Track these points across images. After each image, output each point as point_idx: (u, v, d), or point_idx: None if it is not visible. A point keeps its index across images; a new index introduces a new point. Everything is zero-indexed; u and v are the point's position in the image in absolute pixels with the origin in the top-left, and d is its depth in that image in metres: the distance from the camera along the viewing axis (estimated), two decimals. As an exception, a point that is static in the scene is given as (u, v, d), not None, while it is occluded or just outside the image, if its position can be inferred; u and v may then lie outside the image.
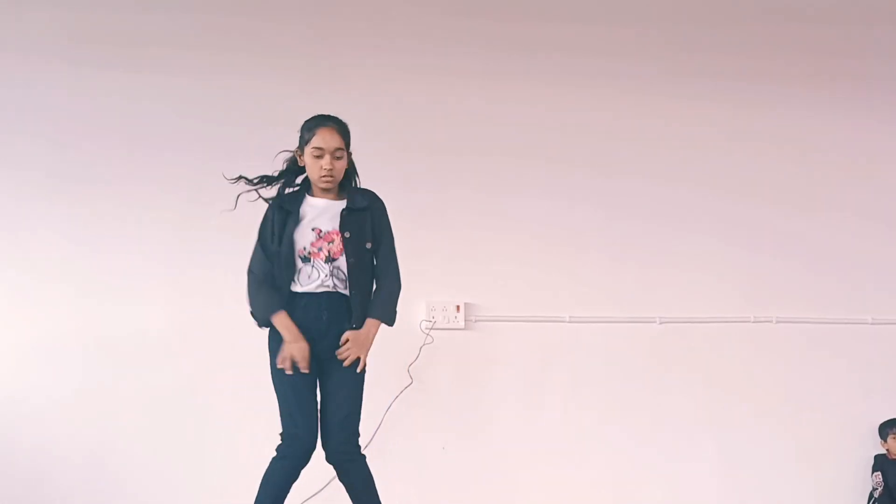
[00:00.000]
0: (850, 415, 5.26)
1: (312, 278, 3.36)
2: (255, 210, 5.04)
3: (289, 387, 3.32)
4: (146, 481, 4.84)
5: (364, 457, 3.45)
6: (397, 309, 3.56)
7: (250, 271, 3.46)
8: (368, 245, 3.40)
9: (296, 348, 3.30)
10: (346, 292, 3.39)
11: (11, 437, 4.83)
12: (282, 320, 3.32)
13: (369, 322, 3.40)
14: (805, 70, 5.49)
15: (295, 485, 4.82)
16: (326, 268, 3.35)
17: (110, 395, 4.88)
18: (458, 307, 5.11)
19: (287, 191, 3.49)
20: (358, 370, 3.37)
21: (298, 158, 3.47)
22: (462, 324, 5.11)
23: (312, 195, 3.46)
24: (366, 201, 3.45)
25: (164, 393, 4.89)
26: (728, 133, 5.41)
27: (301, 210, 3.41)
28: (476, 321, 5.13)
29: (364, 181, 5.08)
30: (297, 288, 3.37)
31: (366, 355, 3.39)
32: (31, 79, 5.03)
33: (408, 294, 5.03)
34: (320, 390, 3.40)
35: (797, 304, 5.32)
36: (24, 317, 4.89)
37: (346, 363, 3.35)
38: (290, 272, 3.37)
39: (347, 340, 3.36)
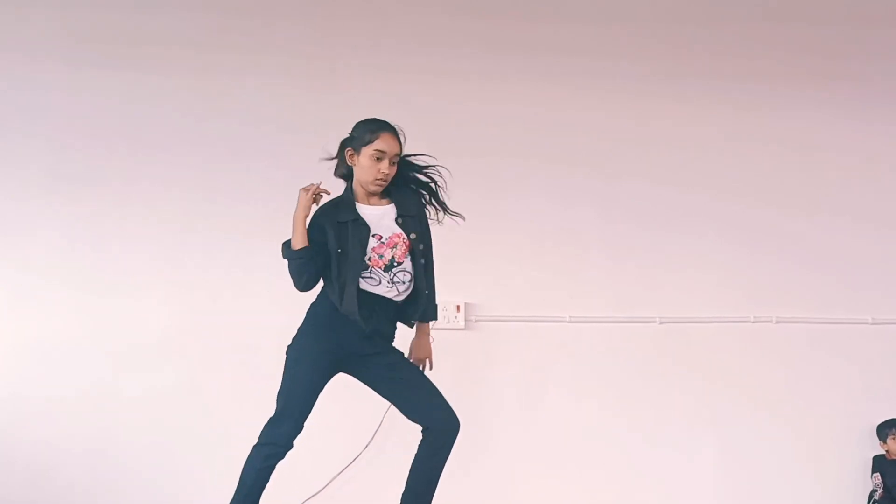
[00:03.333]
0: (850, 415, 5.26)
1: (374, 281, 3.34)
2: (254, 211, 5.07)
3: (304, 385, 3.37)
4: (146, 481, 4.85)
5: None
6: None
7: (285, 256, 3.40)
8: (422, 247, 3.43)
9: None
10: (400, 299, 3.37)
11: (12, 437, 4.83)
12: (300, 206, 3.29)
13: (421, 327, 3.49)
14: (805, 71, 5.48)
15: (295, 485, 4.87)
16: (386, 276, 3.34)
17: (110, 395, 4.89)
18: (458, 307, 5.11)
19: (323, 200, 3.43)
20: (429, 370, 3.49)
21: (349, 158, 3.40)
22: (462, 324, 5.11)
23: (357, 201, 3.39)
24: (415, 206, 3.44)
25: (164, 392, 4.90)
26: (728, 133, 5.41)
27: (351, 216, 3.35)
28: (476, 321, 5.13)
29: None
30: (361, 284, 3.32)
31: (431, 356, 3.54)
32: (31, 78, 5.03)
33: (408, 294, 5.11)
34: (386, 387, 3.45)
35: (797, 304, 5.32)
36: (24, 316, 4.90)
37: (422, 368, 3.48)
38: (357, 271, 3.30)
39: (410, 352, 3.49)
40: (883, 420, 5.21)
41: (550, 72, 5.31)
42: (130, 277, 4.96)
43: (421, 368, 3.52)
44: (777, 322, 5.31)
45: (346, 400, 5.00)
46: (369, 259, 3.30)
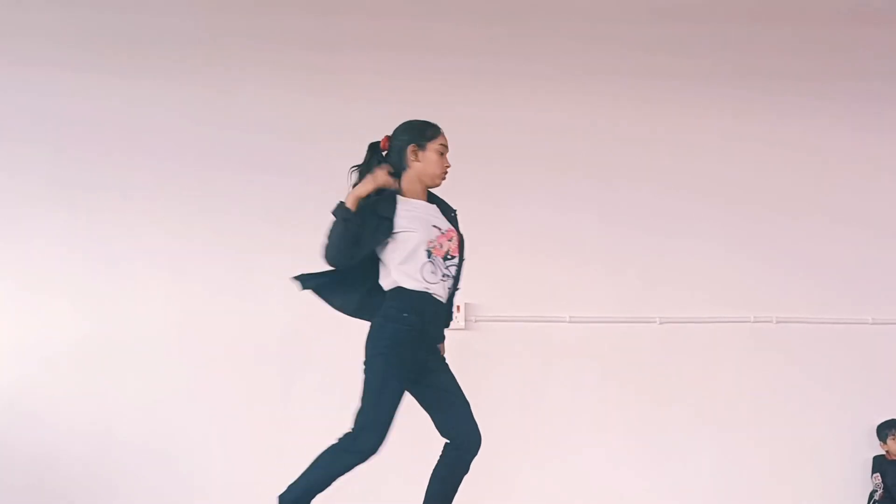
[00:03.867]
0: (850, 415, 5.26)
1: (435, 276, 3.34)
2: (255, 213, 5.07)
3: (391, 393, 3.34)
4: (146, 481, 4.85)
5: None
6: None
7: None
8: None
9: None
10: (444, 298, 3.41)
11: (12, 437, 4.83)
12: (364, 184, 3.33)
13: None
14: (805, 74, 5.49)
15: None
16: (443, 265, 3.37)
17: (110, 395, 4.89)
18: (458, 307, 5.11)
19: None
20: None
21: (411, 154, 3.43)
22: (462, 324, 5.11)
23: (407, 196, 3.42)
24: (451, 208, 3.55)
25: (164, 393, 4.90)
26: (728, 135, 5.41)
27: (404, 208, 3.37)
28: (476, 321, 5.13)
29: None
30: (411, 282, 3.32)
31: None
32: (31, 81, 5.04)
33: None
34: (432, 397, 3.46)
35: (797, 304, 5.33)
36: (25, 317, 4.90)
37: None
38: (417, 263, 3.32)
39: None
40: (883, 420, 5.21)
41: (553, 76, 5.32)
42: (131, 279, 4.96)
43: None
44: (777, 322, 5.31)
45: (345, 400, 5.02)
46: (433, 247, 3.34)
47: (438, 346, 3.52)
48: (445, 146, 3.46)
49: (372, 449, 3.34)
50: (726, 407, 5.21)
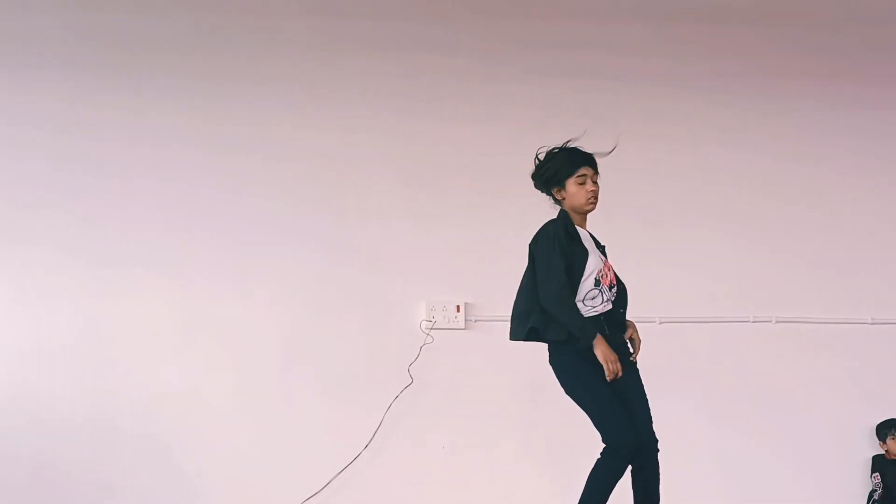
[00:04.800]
0: (850, 415, 5.26)
1: (597, 302, 3.51)
2: (256, 212, 5.08)
3: (605, 400, 3.49)
4: (147, 481, 4.85)
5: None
6: None
7: (558, 296, 3.49)
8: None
9: (615, 360, 3.46)
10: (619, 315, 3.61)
11: (12, 437, 4.83)
12: (601, 341, 3.45)
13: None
14: (805, 71, 5.48)
15: (295, 485, 4.88)
16: (609, 293, 3.54)
17: (110, 395, 4.88)
18: (458, 307, 5.11)
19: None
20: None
21: (557, 195, 3.62)
22: (462, 324, 5.11)
23: (576, 225, 3.60)
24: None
25: (164, 393, 4.90)
26: (728, 133, 5.41)
27: (583, 237, 3.57)
28: (476, 321, 5.13)
29: (364, 181, 5.17)
30: (586, 309, 3.50)
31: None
32: (32, 78, 5.03)
33: (408, 294, 5.11)
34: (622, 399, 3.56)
35: (797, 304, 5.32)
36: (24, 317, 4.89)
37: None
38: (576, 296, 3.49)
39: (632, 339, 3.65)
40: (882, 420, 5.21)
41: (549, 71, 5.31)
42: (131, 279, 4.95)
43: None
44: (777, 322, 5.31)
45: (345, 399, 5.03)
46: (601, 276, 3.52)
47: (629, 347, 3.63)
48: (585, 175, 3.58)
49: (631, 450, 3.47)
50: (726, 407, 5.21)
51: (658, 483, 3.63)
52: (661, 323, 5.22)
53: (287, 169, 5.12)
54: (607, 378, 3.43)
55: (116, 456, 4.85)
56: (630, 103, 5.35)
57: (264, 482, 4.90)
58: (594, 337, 3.42)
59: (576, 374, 3.53)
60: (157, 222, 4.99)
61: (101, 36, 5.08)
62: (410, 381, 4.97)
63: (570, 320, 3.44)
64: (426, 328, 5.05)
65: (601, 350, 3.41)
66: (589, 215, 3.75)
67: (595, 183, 3.58)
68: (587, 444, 5.10)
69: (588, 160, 3.57)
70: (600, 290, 3.51)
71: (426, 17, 5.29)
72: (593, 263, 3.51)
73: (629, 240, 5.23)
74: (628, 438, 3.45)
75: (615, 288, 3.57)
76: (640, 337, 3.66)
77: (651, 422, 3.60)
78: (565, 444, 5.12)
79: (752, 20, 5.49)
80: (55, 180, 4.97)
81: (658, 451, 3.60)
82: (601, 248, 3.65)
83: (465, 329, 5.11)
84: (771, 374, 5.27)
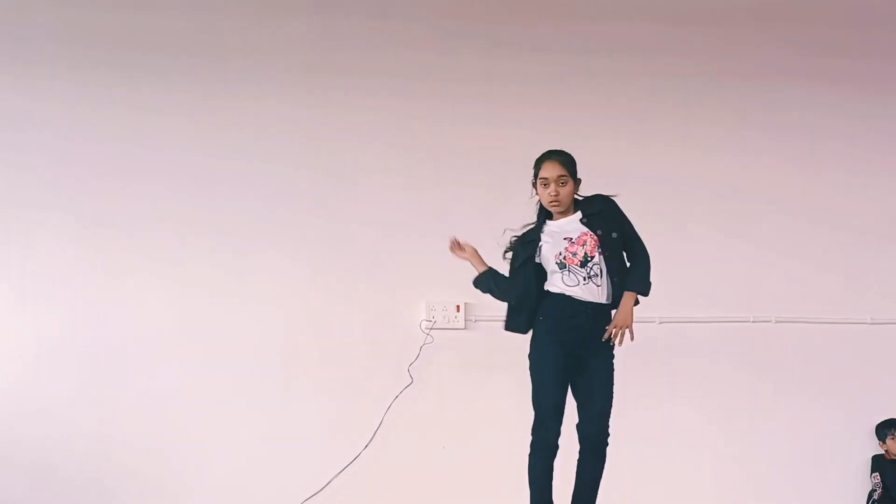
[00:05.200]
0: (850, 415, 5.26)
1: (570, 283, 3.68)
2: (256, 213, 5.08)
3: (546, 377, 3.70)
4: (146, 481, 4.85)
5: (606, 452, 3.76)
6: (650, 281, 3.81)
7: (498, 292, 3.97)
8: (615, 235, 3.74)
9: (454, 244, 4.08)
10: (603, 298, 3.70)
11: (12, 436, 4.83)
12: (473, 255, 4.06)
13: (626, 295, 3.72)
14: (806, 72, 5.49)
15: (295, 485, 4.87)
16: (582, 272, 3.68)
17: (110, 395, 4.88)
18: (458, 307, 5.11)
19: (526, 229, 3.90)
20: (631, 340, 3.71)
21: (535, 195, 3.88)
22: (462, 324, 5.11)
23: (553, 219, 3.83)
24: (599, 204, 3.81)
25: (165, 393, 4.90)
26: (728, 133, 5.42)
27: (545, 233, 3.79)
28: (476, 321, 5.13)
29: (364, 180, 5.16)
30: (554, 288, 3.70)
31: (631, 325, 3.72)
32: (33, 79, 5.04)
33: (408, 294, 5.11)
34: (580, 388, 3.74)
35: (797, 304, 5.33)
36: (25, 317, 4.89)
37: (616, 341, 3.71)
38: (542, 280, 3.75)
39: (614, 327, 3.70)
40: (882, 420, 5.22)
41: (550, 72, 5.32)
42: (131, 280, 4.96)
43: (618, 339, 3.70)
44: (777, 322, 5.31)
45: (346, 399, 5.03)
46: (565, 258, 3.68)
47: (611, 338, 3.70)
48: (545, 177, 3.77)
49: (551, 439, 3.68)
50: (725, 407, 5.21)
51: (591, 480, 3.77)
52: (661, 323, 5.22)
53: (287, 169, 5.13)
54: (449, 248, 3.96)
55: (116, 455, 4.85)
56: (630, 103, 5.36)
57: (264, 482, 4.90)
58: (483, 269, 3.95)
59: (532, 365, 3.78)
60: (157, 222, 4.99)
61: (102, 37, 5.08)
62: (410, 381, 4.97)
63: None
64: (426, 328, 5.05)
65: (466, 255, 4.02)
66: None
67: (560, 184, 3.74)
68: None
69: (549, 168, 3.77)
70: (569, 270, 3.67)
71: (427, 16, 5.30)
72: (549, 250, 3.72)
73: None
74: (540, 432, 3.67)
75: (592, 262, 3.68)
76: (626, 324, 3.69)
77: (602, 416, 3.70)
78: (565, 444, 5.12)
79: (755, 20, 5.49)
80: (55, 180, 4.97)
81: (604, 446, 3.72)
82: (590, 222, 3.74)
83: (465, 329, 5.12)
84: (771, 374, 5.27)
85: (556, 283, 3.70)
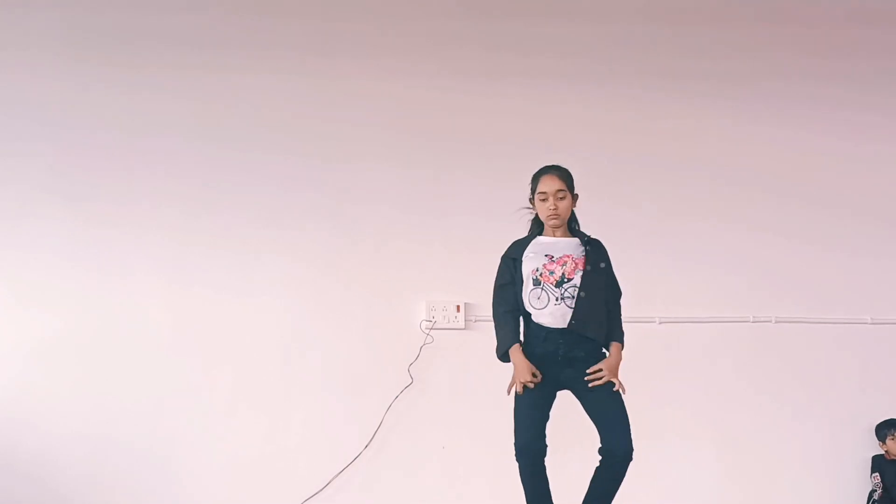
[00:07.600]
0: (850, 415, 5.26)
1: (542, 300, 3.62)
2: (256, 211, 5.08)
3: (523, 403, 3.68)
4: (147, 481, 4.85)
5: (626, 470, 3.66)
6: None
7: (495, 313, 3.80)
8: (603, 265, 3.71)
9: (524, 373, 3.64)
10: (581, 329, 3.61)
11: (12, 436, 4.83)
12: (516, 351, 3.67)
13: (615, 346, 3.67)
14: (805, 69, 5.50)
15: (295, 485, 4.88)
16: (557, 291, 3.60)
17: (111, 395, 4.89)
18: (458, 307, 5.11)
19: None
20: (616, 390, 3.62)
21: (532, 208, 3.82)
22: (462, 324, 5.11)
23: (543, 234, 3.77)
24: (593, 239, 3.74)
25: (165, 392, 4.90)
26: (728, 132, 5.42)
27: (530, 246, 3.72)
28: (476, 321, 5.13)
29: (364, 180, 5.17)
30: (528, 309, 3.65)
31: (617, 378, 3.64)
32: (32, 76, 5.04)
33: (408, 294, 5.12)
34: (590, 411, 3.70)
35: (797, 304, 5.33)
36: (25, 316, 4.89)
37: (597, 383, 3.62)
38: (520, 291, 3.67)
39: (600, 369, 3.62)
40: (882, 420, 5.22)
41: (551, 70, 5.33)
42: (130, 280, 4.96)
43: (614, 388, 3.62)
44: (776, 322, 5.32)
45: (345, 399, 5.03)
46: (540, 275, 3.62)
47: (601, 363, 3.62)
48: (544, 192, 3.71)
49: (532, 444, 3.66)
50: (725, 407, 5.21)
51: (606, 492, 3.71)
52: (661, 323, 5.22)
53: (287, 168, 5.13)
54: (517, 390, 3.64)
55: (116, 455, 4.85)
56: (630, 103, 5.36)
57: (264, 482, 4.90)
58: (508, 346, 3.67)
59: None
60: (157, 220, 5.00)
61: (100, 37, 5.09)
62: (410, 381, 4.98)
63: (499, 330, 3.74)
64: (426, 328, 5.06)
65: (514, 360, 3.65)
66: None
67: (559, 199, 3.69)
68: (586, 443, 5.10)
69: (548, 182, 3.72)
70: (542, 289, 3.62)
71: (427, 16, 5.30)
72: (528, 267, 3.65)
73: (629, 240, 5.24)
74: (523, 442, 3.65)
75: (569, 283, 3.60)
76: (613, 369, 3.62)
77: (623, 433, 3.63)
78: (564, 444, 5.12)
79: (755, 20, 5.50)
80: (55, 179, 4.98)
81: (628, 461, 3.63)
82: (584, 243, 3.68)
83: (465, 329, 5.12)
84: (770, 374, 5.27)
85: (528, 302, 3.64)
